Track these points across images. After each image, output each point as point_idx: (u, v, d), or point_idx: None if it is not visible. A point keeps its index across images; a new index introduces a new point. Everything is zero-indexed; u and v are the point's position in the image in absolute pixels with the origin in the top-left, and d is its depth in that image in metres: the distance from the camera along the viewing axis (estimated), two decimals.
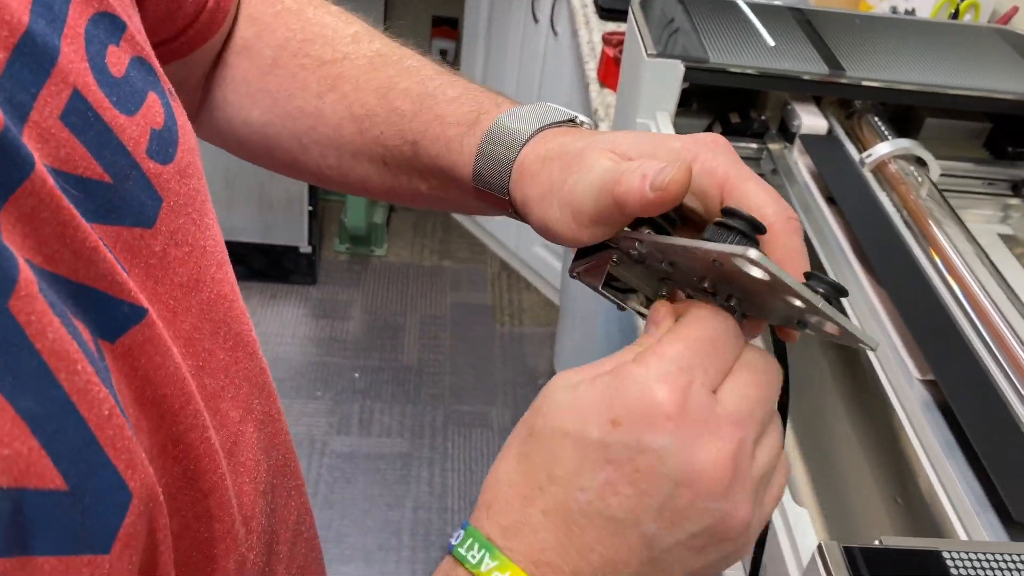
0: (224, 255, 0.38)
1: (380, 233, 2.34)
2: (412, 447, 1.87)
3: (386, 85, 0.46)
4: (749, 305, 0.35)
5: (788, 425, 0.72)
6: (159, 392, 0.31)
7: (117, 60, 0.32)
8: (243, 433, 0.38)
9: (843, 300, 0.78)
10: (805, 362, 0.81)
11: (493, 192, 0.42)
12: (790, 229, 0.35)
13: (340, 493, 1.75)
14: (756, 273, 0.31)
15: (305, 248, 2.16)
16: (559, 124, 0.42)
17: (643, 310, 0.39)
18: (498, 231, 2.35)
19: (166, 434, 0.31)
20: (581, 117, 0.43)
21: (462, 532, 0.32)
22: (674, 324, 0.34)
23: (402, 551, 1.67)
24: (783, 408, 0.39)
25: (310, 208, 2.10)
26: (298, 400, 1.92)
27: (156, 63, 0.36)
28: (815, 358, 0.82)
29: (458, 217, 2.51)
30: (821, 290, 0.32)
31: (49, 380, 0.24)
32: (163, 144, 0.33)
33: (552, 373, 2.09)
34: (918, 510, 0.66)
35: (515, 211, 0.42)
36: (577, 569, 0.31)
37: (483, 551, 0.31)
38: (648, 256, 0.36)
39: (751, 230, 0.33)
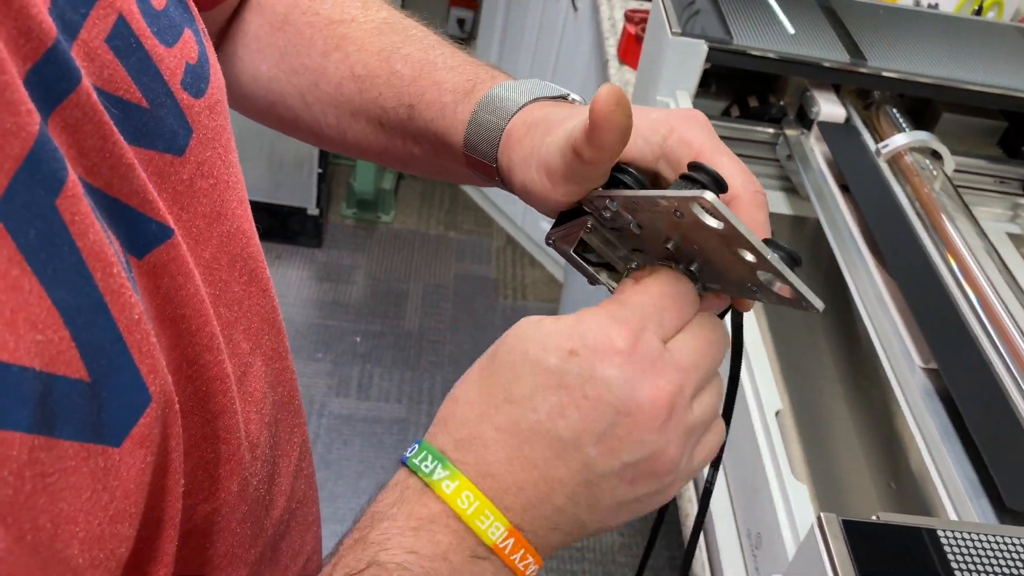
0: (244, 193, 0.40)
1: (388, 199, 2.35)
2: (409, 412, 1.89)
3: (389, 49, 0.47)
4: (708, 272, 0.36)
5: (787, 403, 0.74)
6: (179, 312, 0.32)
7: None
8: (252, 365, 0.39)
9: (852, 285, 0.79)
10: (806, 344, 0.82)
11: (482, 159, 0.43)
12: (756, 202, 0.37)
13: (336, 454, 1.77)
14: (711, 222, 0.32)
15: (313, 210, 2.16)
16: (551, 99, 0.43)
17: (614, 284, 0.40)
18: (505, 205, 2.36)
19: (182, 353, 0.32)
20: (573, 95, 0.44)
21: (416, 446, 0.34)
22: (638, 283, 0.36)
23: None
24: (734, 379, 0.42)
25: (319, 170, 2.10)
26: (298, 361, 1.94)
27: (192, 3, 0.37)
28: (817, 341, 0.83)
29: (466, 188, 2.52)
30: (778, 253, 0.33)
31: (86, 278, 0.25)
32: (196, 79, 0.35)
33: None
34: (911, 494, 0.68)
35: (501, 179, 0.44)
36: (519, 483, 0.33)
37: (436, 462, 0.33)
38: (618, 217, 0.37)
39: (713, 184, 0.34)
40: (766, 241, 0.34)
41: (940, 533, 0.48)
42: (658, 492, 0.35)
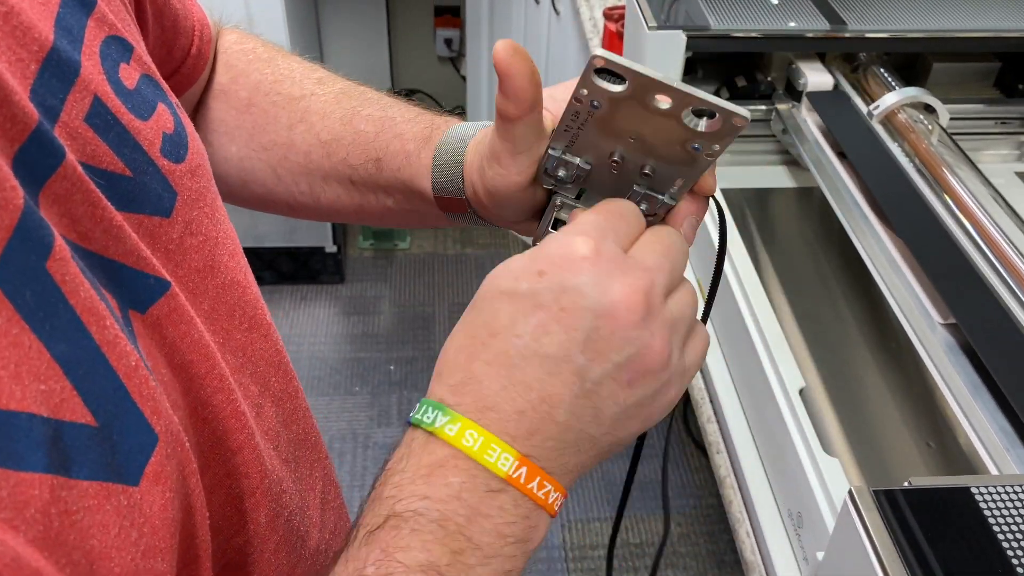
0: (237, 246, 0.42)
1: None
2: None
3: (350, 113, 0.51)
4: (659, 164, 0.38)
5: (817, 378, 0.74)
6: (186, 358, 0.34)
7: (128, 75, 0.36)
8: (262, 406, 0.42)
9: (862, 251, 0.79)
10: (830, 316, 0.82)
11: (451, 195, 0.46)
12: None
13: None
14: (615, 88, 0.34)
15: (330, 248, 2.19)
16: None
17: None
18: None
19: (195, 397, 0.35)
20: None
21: (418, 406, 0.35)
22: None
23: None
24: (715, 281, 0.45)
25: None
26: (337, 397, 1.96)
27: (163, 81, 0.40)
28: (840, 311, 0.83)
29: None
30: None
31: (81, 331, 0.28)
32: (174, 146, 0.38)
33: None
34: (952, 452, 0.68)
35: (474, 210, 0.46)
36: (519, 408, 0.33)
37: (435, 411, 0.34)
38: (569, 166, 0.40)
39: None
40: None
41: (974, 490, 0.48)
42: (659, 393, 0.36)
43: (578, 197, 0.42)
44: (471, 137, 0.46)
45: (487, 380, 0.34)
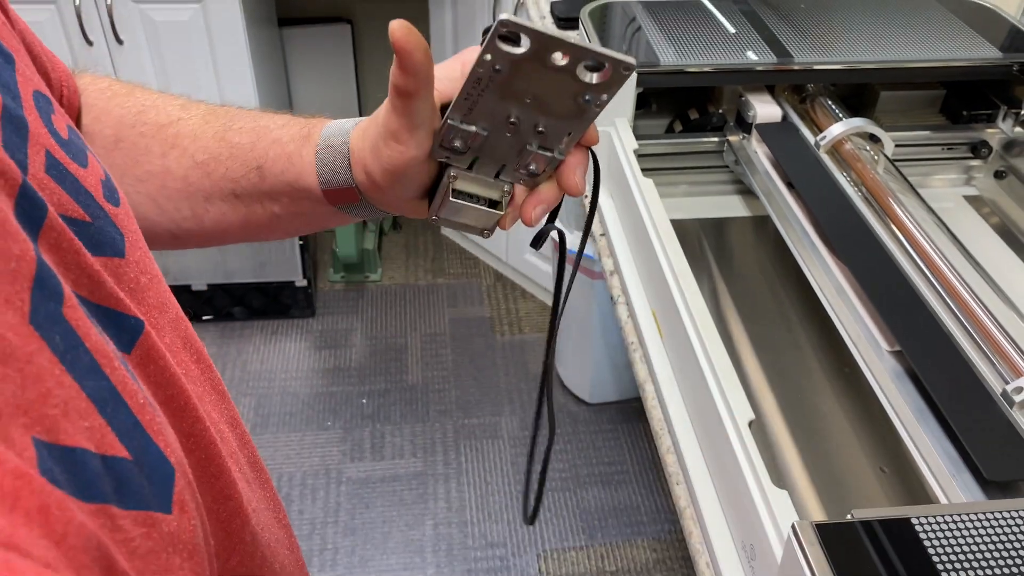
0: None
1: (372, 258, 2.37)
2: (426, 465, 1.89)
3: (222, 129, 0.52)
4: (553, 121, 0.42)
5: (775, 405, 0.75)
6: (168, 393, 0.36)
7: (60, 126, 0.38)
8: (223, 432, 0.43)
9: (812, 279, 0.80)
10: (788, 341, 0.84)
11: (340, 186, 0.48)
12: None
13: (360, 519, 1.78)
14: (519, 49, 0.38)
15: (300, 282, 2.19)
16: None
17: (499, 213, 0.47)
18: (488, 243, 2.38)
19: (180, 429, 0.36)
20: None
21: None
22: None
23: (427, 569, 1.69)
24: (587, 227, 0.49)
25: (301, 242, 2.13)
26: (309, 432, 1.95)
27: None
28: (797, 337, 0.84)
29: (447, 233, 2.54)
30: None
31: (99, 372, 0.29)
32: (110, 191, 0.39)
33: (554, 376, 2.11)
34: (905, 476, 0.69)
35: (364, 195, 0.48)
36: None
37: None
38: (466, 135, 0.43)
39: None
40: None
41: (914, 521, 0.49)
42: None
43: (470, 168, 0.45)
44: (350, 129, 0.48)
45: None
